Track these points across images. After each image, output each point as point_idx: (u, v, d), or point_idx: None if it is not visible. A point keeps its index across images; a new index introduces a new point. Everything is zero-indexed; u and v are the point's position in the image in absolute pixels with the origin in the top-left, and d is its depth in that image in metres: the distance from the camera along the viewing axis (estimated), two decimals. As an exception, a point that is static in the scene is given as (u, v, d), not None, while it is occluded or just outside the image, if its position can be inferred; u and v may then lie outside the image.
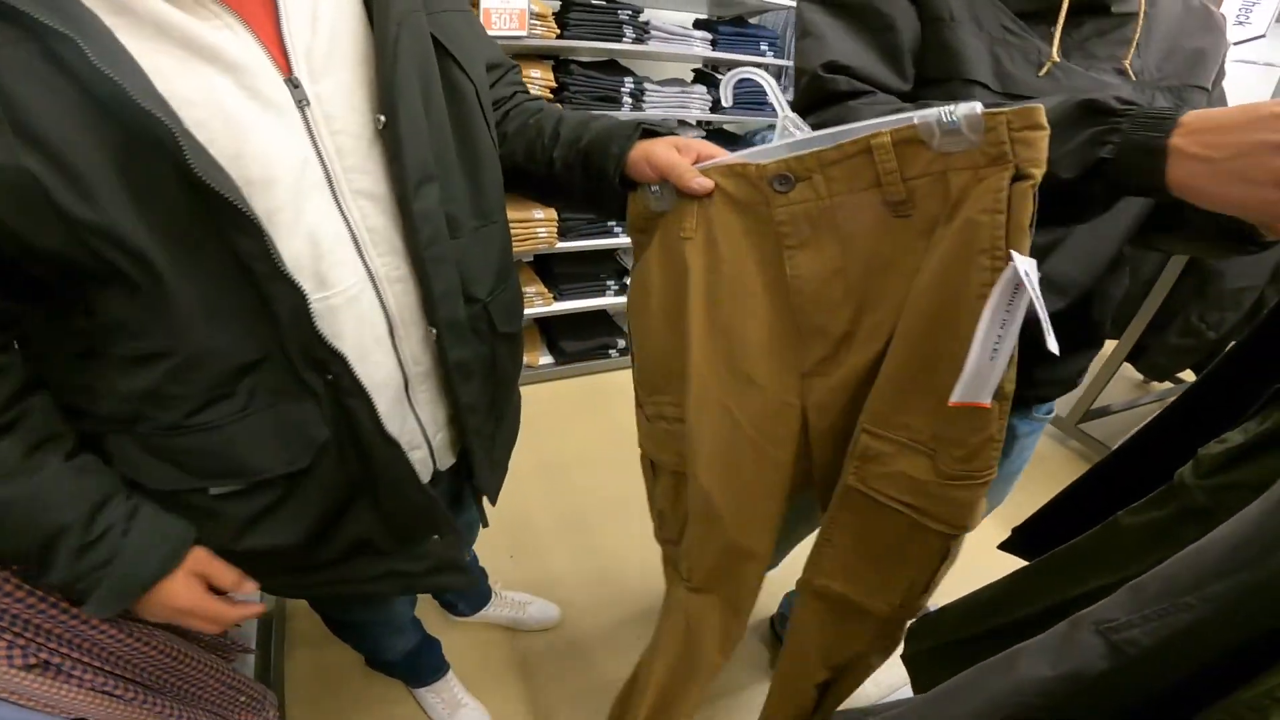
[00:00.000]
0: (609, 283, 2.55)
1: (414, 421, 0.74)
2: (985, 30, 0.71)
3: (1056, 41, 0.72)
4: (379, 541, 0.75)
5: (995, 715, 0.48)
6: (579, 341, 2.57)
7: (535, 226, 2.25)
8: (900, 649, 0.93)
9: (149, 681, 0.83)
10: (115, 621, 0.76)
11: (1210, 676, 0.38)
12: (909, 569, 0.67)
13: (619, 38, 2.17)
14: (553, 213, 2.25)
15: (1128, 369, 2.31)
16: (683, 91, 2.39)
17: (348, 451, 0.66)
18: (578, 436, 2.21)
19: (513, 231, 2.20)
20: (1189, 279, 2.00)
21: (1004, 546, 1.06)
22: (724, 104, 0.76)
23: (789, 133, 0.65)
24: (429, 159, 0.63)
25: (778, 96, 0.67)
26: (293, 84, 0.54)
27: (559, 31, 2.09)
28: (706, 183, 0.65)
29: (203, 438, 0.59)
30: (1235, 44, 2.69)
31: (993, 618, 0.81)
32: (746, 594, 0.76)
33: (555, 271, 2.51)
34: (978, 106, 0.50)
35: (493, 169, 0.74)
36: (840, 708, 0.87)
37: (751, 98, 2.45)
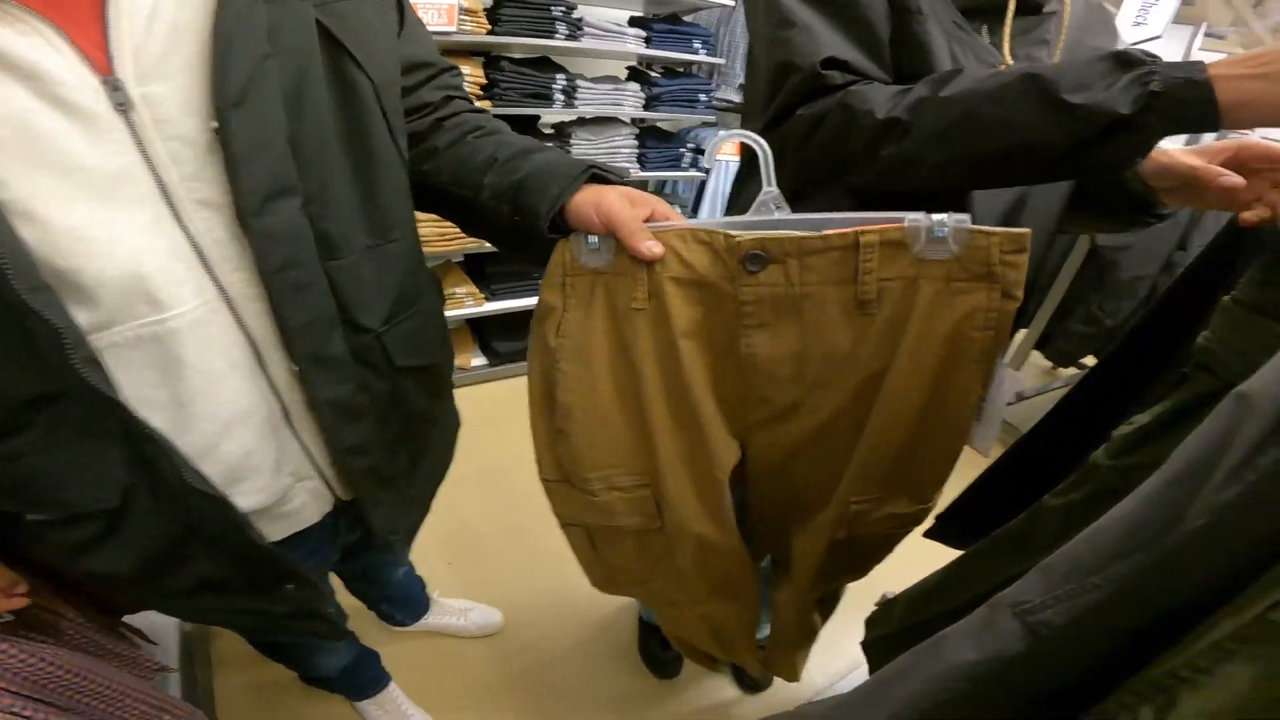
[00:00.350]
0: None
1: (299, 452, 0.67)
2: (943, 26, 0.71)
3: (1006, 41, 0.74)
4: (228, 581, 0.68)
5: (926, 701, 0.50)
6: (513, 342, 2.52)
7: (466, 225, 2.21)
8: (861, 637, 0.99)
9: (64, 703, 0.77)
10: (16, 640, 0.70)
11: (1122, 655, 0.39)
12: (883, 556, 0.81)
13: (552, 34, 2.15)
14: (485, 210, 2.21)
15: (1036, 356, 2.46)
16: (616, 89, 2.39)
17: (160, 497, 0.59)
18: (515, 439, 2.13)
19: (441, 231, 2.15)
20: (1089, 270, 2.14)
21: (930, 534, 1.10)
22: (706, 164, 0.69)
23: (768, 208, 0.63)
24: (285, 170, 0.55)
25: (769, 169, 0.63)
26: (112, 86, 0.48)
27: (490, 27, 2.05)
28: (658, 249, 0.60)
29: (7, 466, 0.54)
30: (1133, 45, 2.86)
31: (937, 604, 0.84)
32: (751, 584, 0.80)
33: (487, 271, 2.46)
34: (967, 220, 0.54)
35: (394, 179, 0.66)
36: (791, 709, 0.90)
37: (685, 94, 2.48)
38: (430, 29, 1.81)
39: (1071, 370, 2.95)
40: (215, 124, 0.51)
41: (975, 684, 0.48)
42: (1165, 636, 0.37)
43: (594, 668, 1.52)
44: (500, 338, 2.53)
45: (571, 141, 2.36)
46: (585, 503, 0.72)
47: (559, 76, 2.25)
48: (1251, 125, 0.55)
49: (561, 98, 2.27)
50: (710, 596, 0.79)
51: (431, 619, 1.52)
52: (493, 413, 2.29)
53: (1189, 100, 0.54)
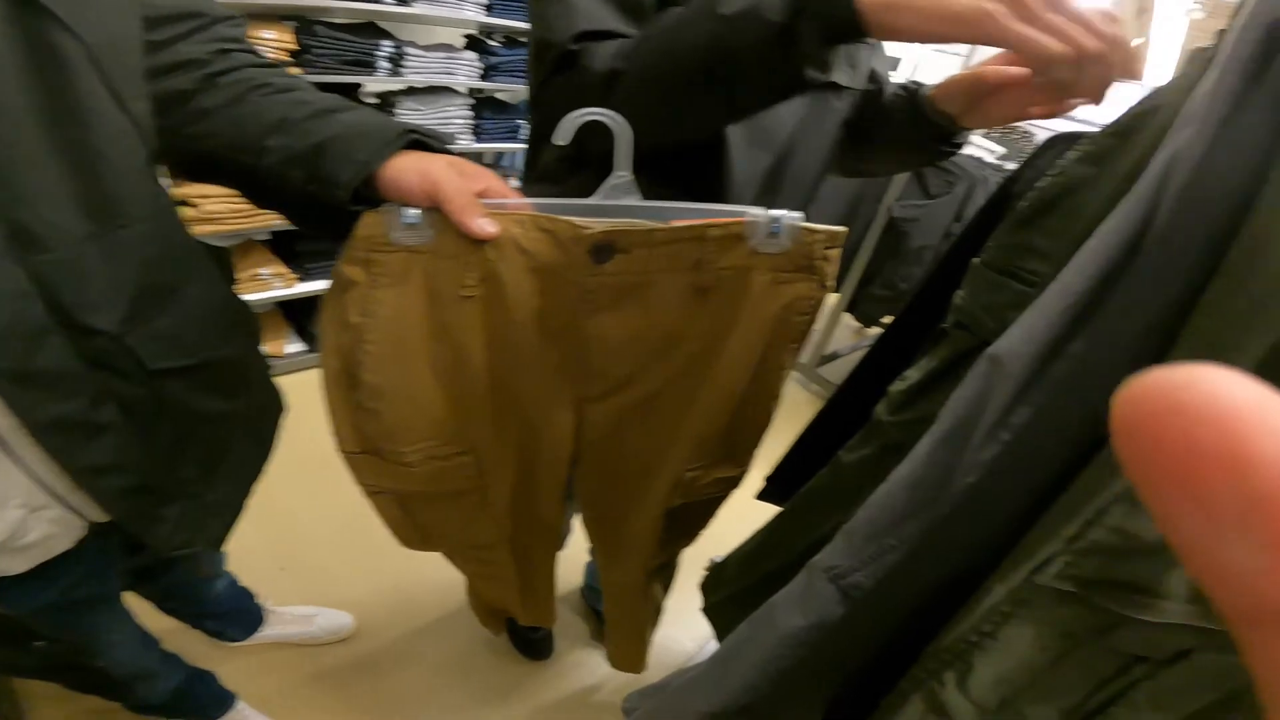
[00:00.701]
0: None
1: (25, 481, 0.58)
2: None
3: None
4: None
5: (771, 669, 0.52)
6: None
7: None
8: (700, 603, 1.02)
9: None
10: None
11: (930, 613, 0.41)
12: (709, 518, 0.88)
13: (379, -2, 1.98)
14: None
15: (847, 317, 2.80)
16: (449, 57, 2.25)
17: None
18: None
19: (236, 207, 1.90)
20: (886, 241, 2.45)
21: (761, 496, 1.20)
22: (558, 141, 0.60)
23: (617, 194, 0.62)
24: None
25: (628, 154, 0.61)
26: None
27: None
28: (492, 228, 0.55)
29: None
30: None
31: (763, 564, 0.87)
32: (555, 545, 0.90)
33: (298, 249, 2.21)
34: (800, 217, 0.58)
35: (124, 155, 0.56)
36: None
37: (526, 65, 2.39)
38: (231, -10, 1.59)
39: (876, 330, 3.35)
40: None
41: (809, 649, 0.50)
42: (961, 597, 0.40)
43: (462, 659, 1.48)
44: (317, 320, 2.31)
45: (397, 111, 2.19)
46: (399, 473, 0.70)
47: (384, 43, 2.08)
48: (900, 34, 0.53)
49: (387, 65, 2.10)
50: (526, 553, 0.86)
51: (271, 631, 1.40)
52: (316, 400, 2.10)
53: (833, 4, 0.53)
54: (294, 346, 2.29)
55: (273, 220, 2.02)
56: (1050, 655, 0.38)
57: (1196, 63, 0.47)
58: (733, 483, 0.79)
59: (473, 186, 0.56)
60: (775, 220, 0.58)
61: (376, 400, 0.64)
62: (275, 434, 0.86)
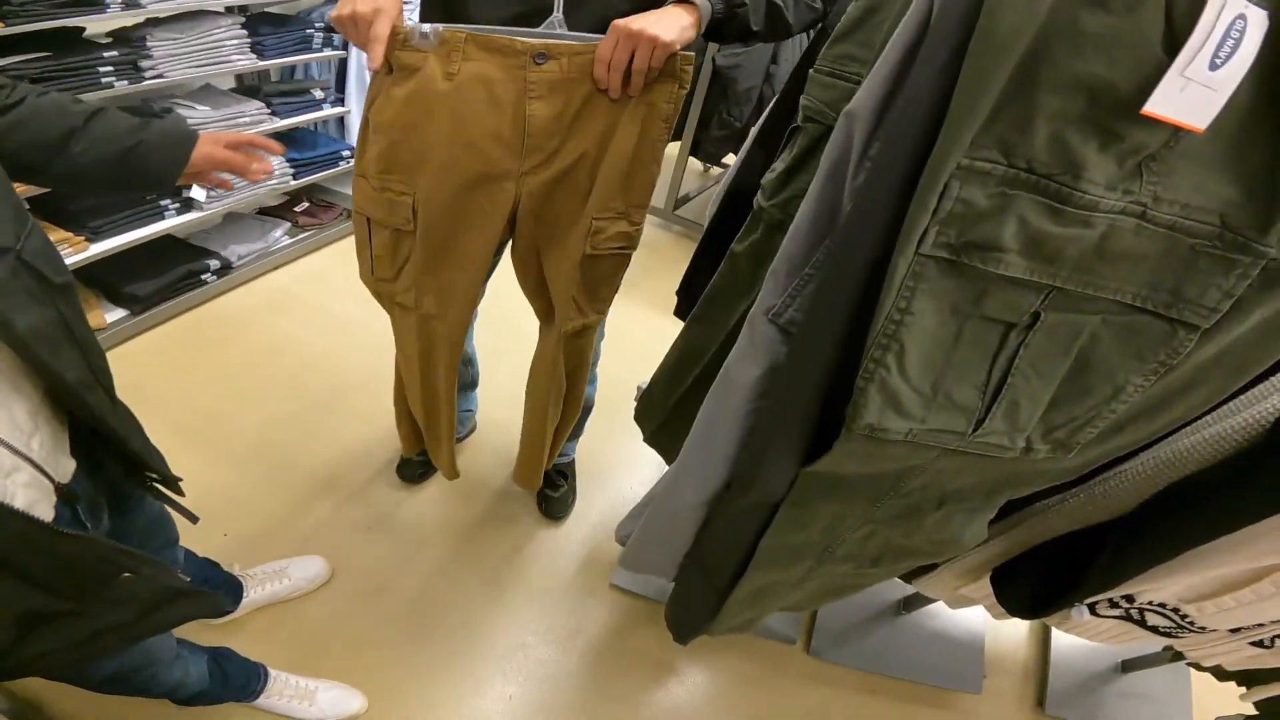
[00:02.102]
0: (164, 203, 2.06)
1: None
2: None
3: None
4: (52, 606, 0.61)
5: (742, 428, 0.63)
6: (153, 280, 2.07)
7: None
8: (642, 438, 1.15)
9: None
10: None
11: (856, 333, 0.53)
12: (613, 283, 1.11)
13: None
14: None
15: (693, 162, 3.01)
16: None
17: None
18: (210, 379, 1.91)
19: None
20: (715, 88, 2.63)
21: (678, 313, 1.30)
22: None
23: (553, 27, 0.92)
24: None
25: (560, 3, 0.91)
26: None
27: None
28: (263, 169, 0.92)
29: None
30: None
31: (689, 372, 1.00)
32: (468, 311, 1.12)
33: (73, 209, 1.92)
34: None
35: None
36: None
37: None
38: None
39: (717, 170, 3.52)
40: None
41: (771, 397, 0.60)
42: (873, 298, 0.52)
43: (445, 572, 1.55)
44: (134, 280, 2.04)
45: (149, 45, 1.87)
46: (370, 195, 0.99)
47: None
48: None
49: (118, 1, 1.77)
50: (437, 307, 1.08)
51: (255, 594, 1.38)
52: (167, 363, 1.94)
53: None
54: (115, 314, 2.03)
55: (26, 189, 1.70)
56: (950, 332, 0.52)
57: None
58: (629, 241, 1.04)
59: (236, 147, 0.88)
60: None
61: (375, 133, 0.96)
62: None
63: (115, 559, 0.64)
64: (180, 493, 0.85)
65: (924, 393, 0.56)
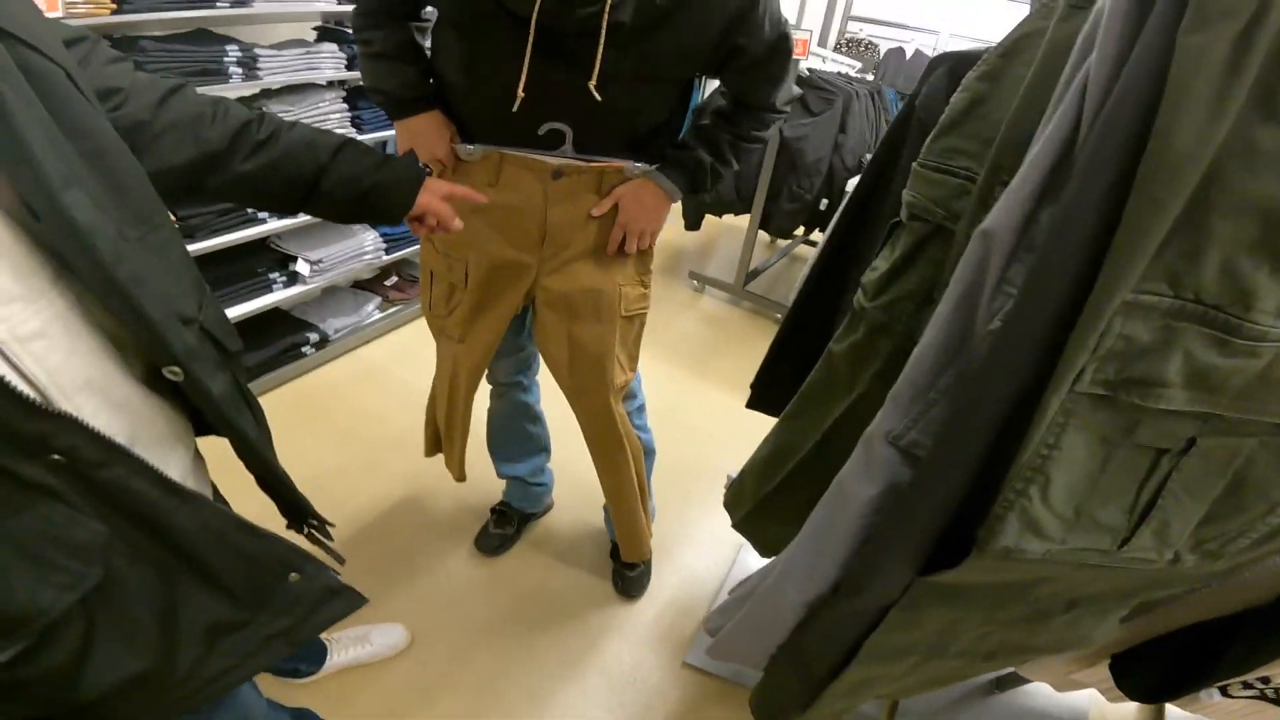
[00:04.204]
0: (272, 275, 2.18)
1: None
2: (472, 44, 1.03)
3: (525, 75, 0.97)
4: (231, 616, 0.63)
5: (855, 540, 0.61)
6: (259, 351, 2.19)
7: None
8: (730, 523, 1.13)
9: None
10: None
11: (994, 458, 0.50)
12: (639, 340, 1.36)
13: (210, 3, 1.83)
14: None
15: (761, 235, 2.94)
16: (308, 53, 2.12)
17: (138, 536, 0.53)
18: (308, 452, 1.99)
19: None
20: (782, 159, 2.63)
21: (751, 405, 1.29)
22: (540, 133, 1.06)
23: (565, 154, 1.08)
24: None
25: (570, 138, 1.07)
26: None
27: (114, 7, 1.66)
28: (459, 225, 0.95)
29: None
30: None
31: (781, 467, 0.98)
32: (488, 351, 1.33)
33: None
34: (647, 166, 1.12)
35: (132, 164, 0.59)
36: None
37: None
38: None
39: (783, 241, 3.53)
40: None
41: (883, 514, 0.58)
42: (1017, 429, 0.49)
43: (518, 644, 1.54)
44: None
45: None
46: (435, 256, 1.23)
47: (229, 48, 1.93)
48: None
49: (239, 71, 1.94)
50: (467, 335, 1.29)
51: (337, 659, 1.41)
52: (276, 433, 2.02)
53: None
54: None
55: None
56: (1099, 460, 0.49)
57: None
58: (647, 301, 1.29)
59: (449, 199, 0.93)
60: (635, 165, 1.12)
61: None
62: None
63: (288, 558, 0.66)
64: (331, 538, 0.89)
65: (1066, 517, 0.53)
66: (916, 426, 0.56)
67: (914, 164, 0.78)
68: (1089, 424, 0.49)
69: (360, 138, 2.33)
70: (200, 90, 0.76)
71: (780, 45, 1.05)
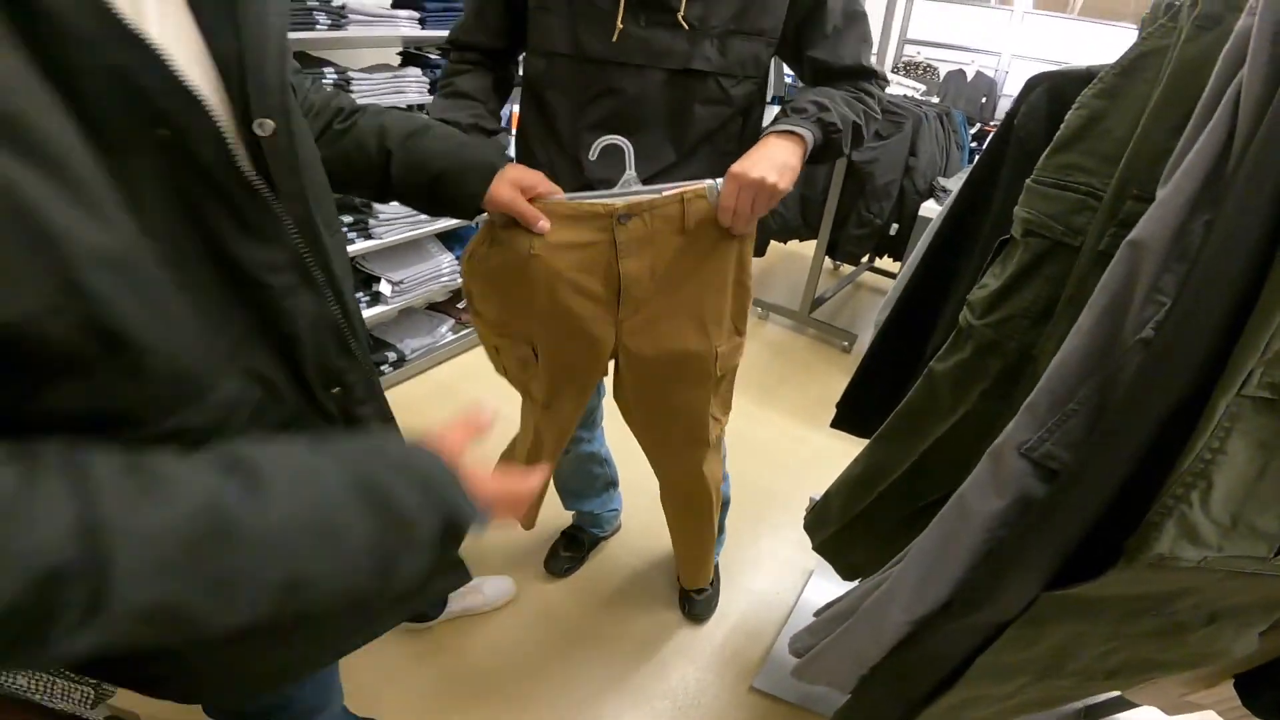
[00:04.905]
0: (356, 295, 2.32)
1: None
2: (571, 7, 0.93)
3: (621, 8, 0.90)
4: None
5: (976, 556, 0.60)
6: None
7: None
8: (811, 545, 1.12)
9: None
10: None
11: (1143, 464, 0.50)
12: (732, 389, 1.20)
13: (311, 26, 1.96)
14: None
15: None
16: (394, 77, 2.24)
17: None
18: None
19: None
20: (851, 185, 2.57)
21: (835, 424, 1.27)
22: (590, 157, 0.93)
23: (629, 185, 0.94)
24: None
25: (631, 160, 0.93)
26: None
27: None
28: (546, 225, 0.88)
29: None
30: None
31: (873, 488, 0.96)
32: (577, 413, 1.19)
33: None
34: (720, 182, 0.89)
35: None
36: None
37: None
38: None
39: (848, 268, 3.50)
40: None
41: (1012, 528, 0.57)
42: (1172, 435, 0.49)
43: (585, 668, 1.54)
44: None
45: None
46: (488, 334, 1.10)
47: (327, 71, 2.06)
48: None
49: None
50: (551, 401, 1.15)
51: (455, 605, 1.53)
52: None
53: None
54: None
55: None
56: (1257, 466, 0.48)
57: (1169, 11, 0.64)
58: (741, 349, 1.11)
59: (527, 192, 0.87)
60: (715, 184, 0.92)
61: (484, 303, 1.05)
62: None
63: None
64: None
65: (1223, 524, 0.51)
66: (1052, 438, 0.55)
67: (1028, 181, 0.77)
68: (1251, 428, 0.48)
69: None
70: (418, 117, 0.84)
71: (851, 7, 1.00)
